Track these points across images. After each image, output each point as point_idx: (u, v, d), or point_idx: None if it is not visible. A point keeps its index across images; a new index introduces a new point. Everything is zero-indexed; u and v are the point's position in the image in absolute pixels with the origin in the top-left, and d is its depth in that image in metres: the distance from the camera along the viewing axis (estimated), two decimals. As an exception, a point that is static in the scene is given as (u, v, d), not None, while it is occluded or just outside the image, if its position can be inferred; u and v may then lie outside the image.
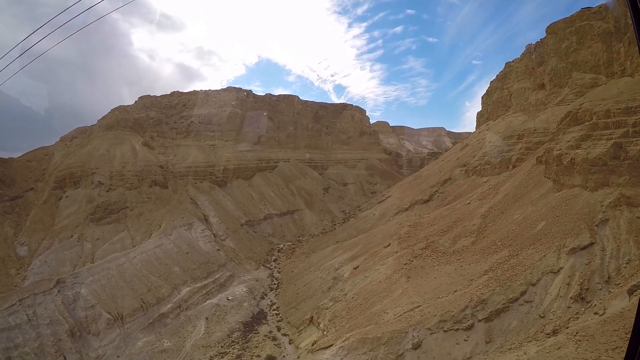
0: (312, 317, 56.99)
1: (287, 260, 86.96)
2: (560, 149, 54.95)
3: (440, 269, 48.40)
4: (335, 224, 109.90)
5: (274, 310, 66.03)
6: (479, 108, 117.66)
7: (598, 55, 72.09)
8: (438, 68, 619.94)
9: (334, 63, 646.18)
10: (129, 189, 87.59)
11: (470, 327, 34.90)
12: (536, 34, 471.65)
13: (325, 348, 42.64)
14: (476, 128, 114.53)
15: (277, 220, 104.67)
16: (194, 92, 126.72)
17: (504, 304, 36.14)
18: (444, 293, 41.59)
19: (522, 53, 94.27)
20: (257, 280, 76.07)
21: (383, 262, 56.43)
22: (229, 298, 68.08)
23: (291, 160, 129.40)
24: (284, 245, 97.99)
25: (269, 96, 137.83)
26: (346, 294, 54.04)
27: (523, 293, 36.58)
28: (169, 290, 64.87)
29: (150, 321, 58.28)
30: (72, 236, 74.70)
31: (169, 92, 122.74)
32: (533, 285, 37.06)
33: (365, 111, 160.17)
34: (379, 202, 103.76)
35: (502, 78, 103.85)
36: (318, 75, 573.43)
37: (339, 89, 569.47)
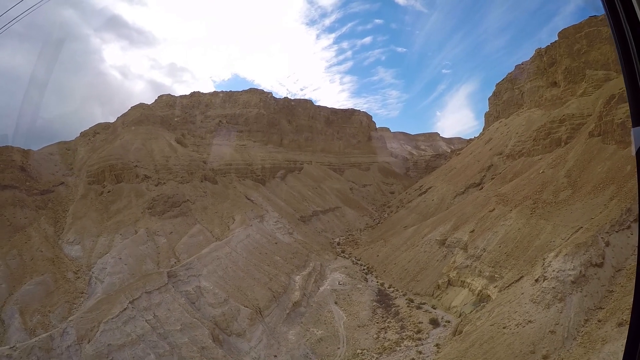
0: (449, 280, 57.37)
1: (359, 249, 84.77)
2: (620, 118, 65.75)
3: (567, 208, 53.12)
4: (374, 219, 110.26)
5: (389, 288, 63.92)
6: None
7: (607, 55, 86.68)
8: (408, 78, 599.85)
9: (303, 77, 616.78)
10: (181, 182, 78.70)
11: (629, 227, 43.47)
12: (502, 42, 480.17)
13: (516, 282, 44.66)
14: (486, 126, 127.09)
15: (324, 217, 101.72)
16: (215, 93, 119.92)
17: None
18: (593, 215, 47.71)
19: (532, 56, 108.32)
20: (346, 268, 72.78)
21: (505, 218, 59.14)
22: (340, 283, 64.13)
23: (313, 163, 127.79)
24: (339, 239, 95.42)
25: (287, 100, 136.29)
26: (485, 249, 55.47)
27: (647, 203, 45.47)
28: (286, 279, 59.14)
29: (287, 312, 52.29)
30: (136, 232, 64.01)
31: (189, 93, 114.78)
32: (649, 198, 46.07)
33: (372, 116, 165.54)
34: (419, 195, 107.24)
35: (511, 80, 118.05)
36: (287, 89, 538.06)
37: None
